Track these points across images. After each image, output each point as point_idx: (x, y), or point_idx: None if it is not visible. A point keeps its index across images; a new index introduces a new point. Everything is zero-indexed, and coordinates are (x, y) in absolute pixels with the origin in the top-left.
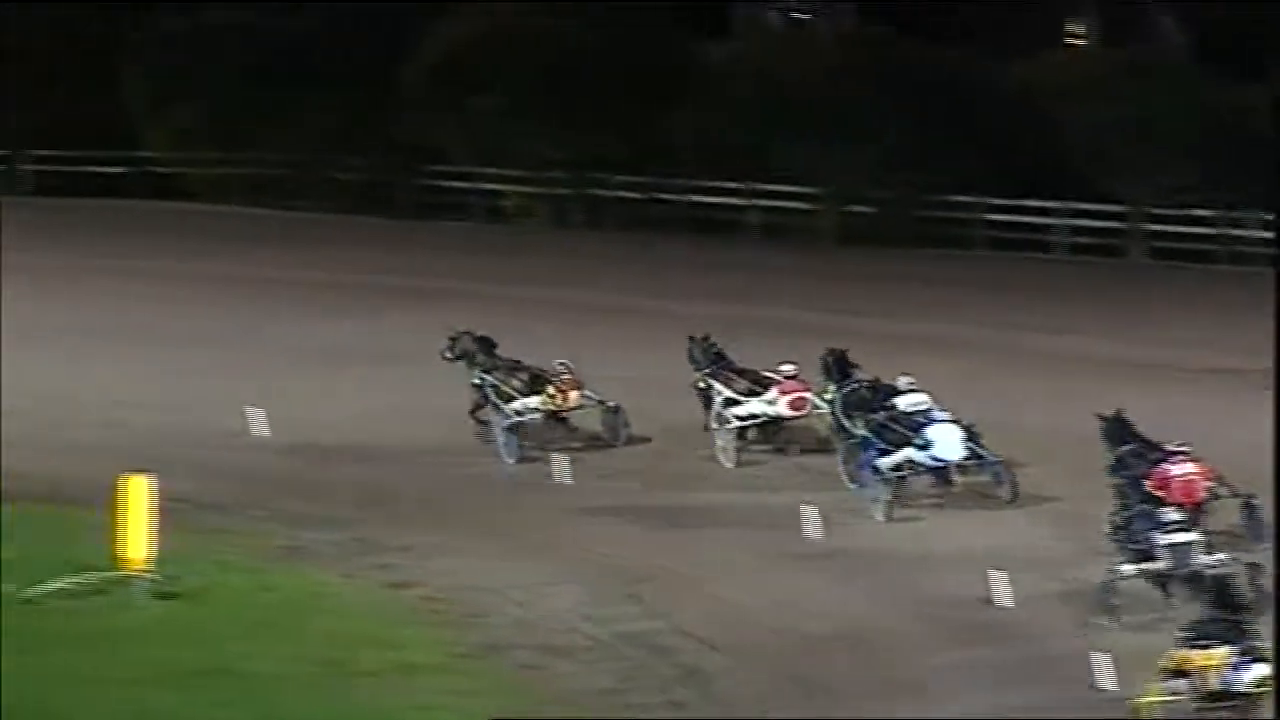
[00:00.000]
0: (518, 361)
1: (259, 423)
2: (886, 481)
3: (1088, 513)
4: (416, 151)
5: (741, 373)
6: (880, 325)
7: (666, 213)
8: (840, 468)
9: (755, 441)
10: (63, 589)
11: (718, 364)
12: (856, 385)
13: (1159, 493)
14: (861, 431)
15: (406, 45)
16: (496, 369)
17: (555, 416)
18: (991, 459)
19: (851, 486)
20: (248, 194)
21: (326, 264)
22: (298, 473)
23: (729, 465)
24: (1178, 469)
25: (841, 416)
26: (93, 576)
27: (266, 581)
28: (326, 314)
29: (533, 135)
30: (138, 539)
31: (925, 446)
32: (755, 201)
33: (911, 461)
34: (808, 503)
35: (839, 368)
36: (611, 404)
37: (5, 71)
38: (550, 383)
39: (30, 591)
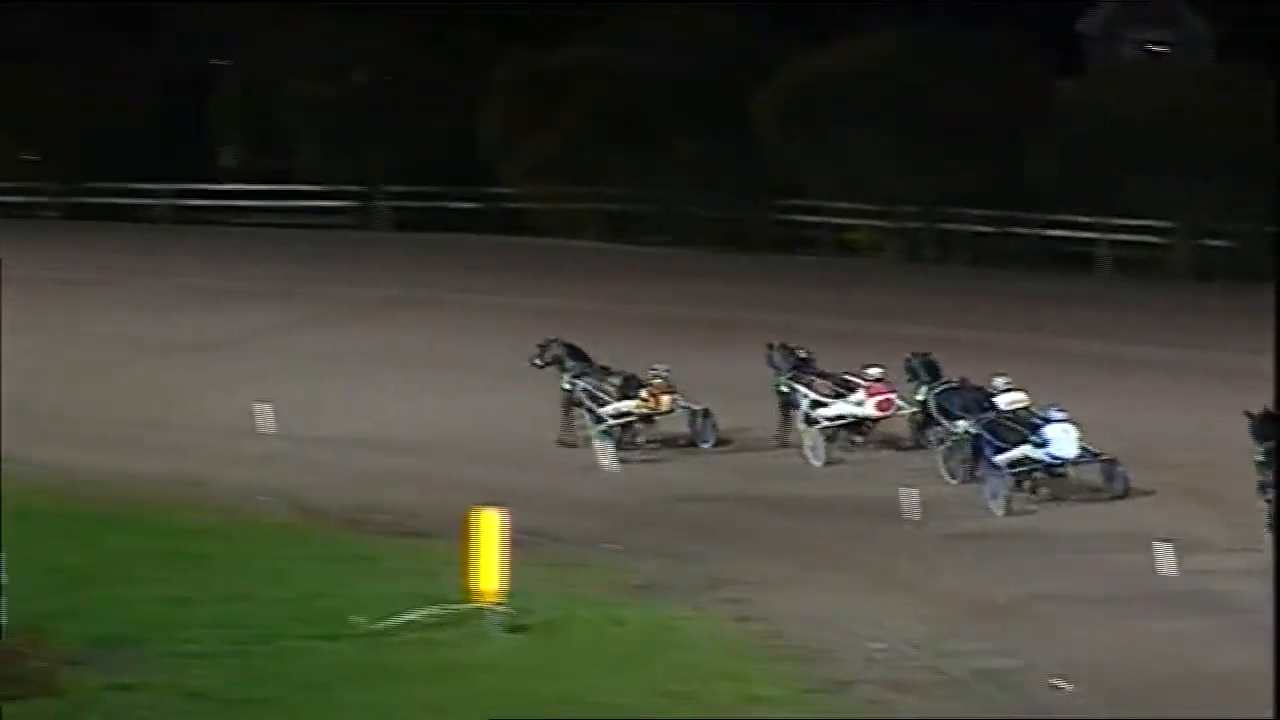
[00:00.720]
0: (607, 367)
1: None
2: (1003, 477)
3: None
4: (772, 186)
5: (825, 376)
6: (1240, 360)
7: (1018, 247)
8: (941, 465)
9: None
10: (414, 621)
11: (800, 368)
12: (948, 386)
13: None
14: (967, 430)
15: (763, 79)
16: (588, 374)
17: (647, 420)
18: (1103, 456)
19: (951, 481)
20: (599, 229)
21: (674, 298)
22: (645, 507)
23: (817, 464)
24: None
25: (938, 415)
26: (443, 609)
27: (616, 615)
28: (665, 346)
29: (889, 170)
30: (489, 572)
31: (1043, 444)
32: (1108, 235)
33: (1028, 458)
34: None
35: (928, 370)
36: (700, 408)
37: (364, 111)
38: (644, 387)
39: (382, 624)
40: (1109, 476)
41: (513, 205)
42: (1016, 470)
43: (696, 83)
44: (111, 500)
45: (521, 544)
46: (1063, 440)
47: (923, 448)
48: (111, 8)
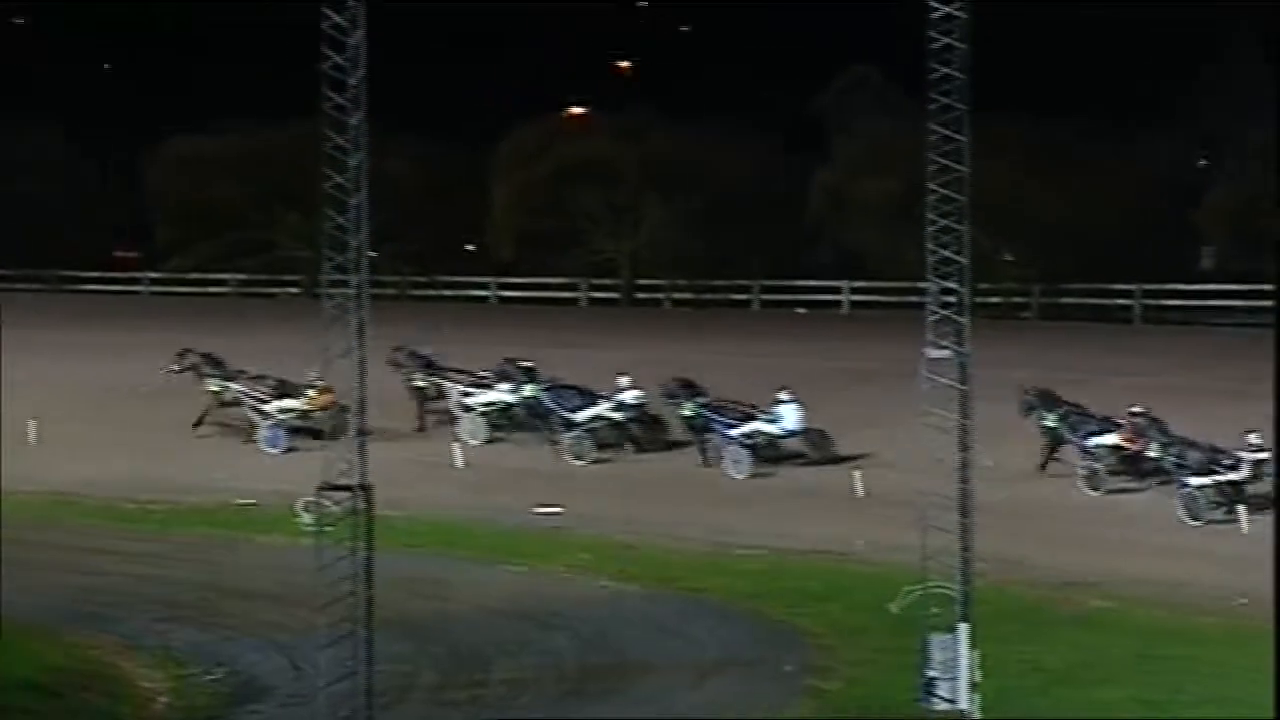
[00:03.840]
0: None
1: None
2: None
3: None
4: None
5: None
6: None
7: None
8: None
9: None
10: None
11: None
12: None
13: None
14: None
15: None
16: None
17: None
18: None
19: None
20: None
21: None
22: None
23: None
24: None
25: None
26: None
27: None
28: None
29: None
30: None
31: (774, 420)
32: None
33: (760, 431)
34: None
35: (525, 374)
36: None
37: None
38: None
39: None
40: (815, 444)
41: None
42: (749, 441)
43: None
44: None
45: None
46: (791, 416)
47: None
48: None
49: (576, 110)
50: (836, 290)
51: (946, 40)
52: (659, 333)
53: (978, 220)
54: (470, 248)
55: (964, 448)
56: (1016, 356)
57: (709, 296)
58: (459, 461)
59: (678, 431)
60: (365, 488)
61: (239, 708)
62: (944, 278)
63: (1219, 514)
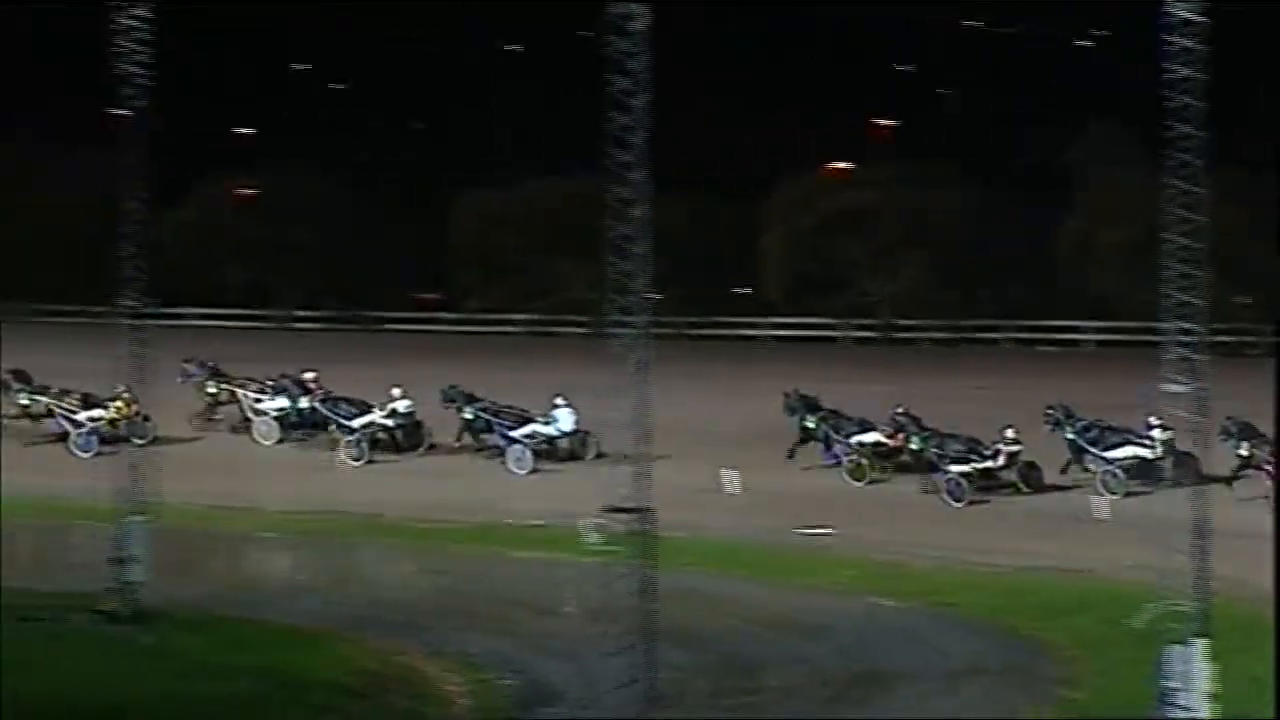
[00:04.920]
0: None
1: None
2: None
3: None
4: None
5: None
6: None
7: None
8: None
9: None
10: None
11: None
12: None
13: None
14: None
15: None
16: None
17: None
18: (583, 429)
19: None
20: None
21: None
22: None
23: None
24: None
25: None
26: None
27: None
28: None
29: None
30: None
31: (550, 422)
32: None
33: (538, 432)
34: None
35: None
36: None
37: None
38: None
39: None
40: (584, 443)
41: None
42: (530, 441)
43: None
44: None
45: None
46: (566, 419)
47: None
48: None
49: (839, 165)
50: (1079, 330)
51: (1185, 100)
52: (914, 369)
53: (1211, 264)
54: (742, 291)
55: (1199, 475)
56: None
57: (960, 336)
58: (735, 487)
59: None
60: (647, 510)
61: (533, 710)
62: (1181, 319)
63: None
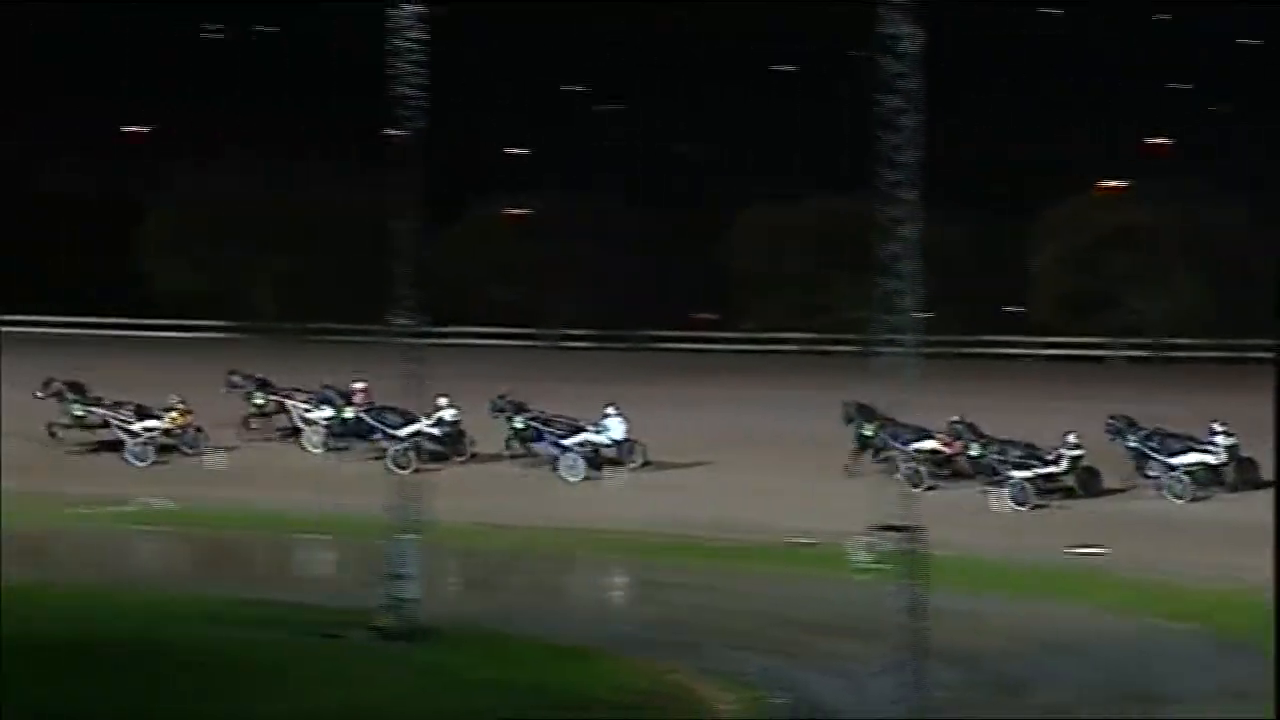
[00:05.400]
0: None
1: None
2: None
3: None
4: None
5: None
6: None
7: None
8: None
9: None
10: None
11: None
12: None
13: None
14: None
15: None
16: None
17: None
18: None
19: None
20: None
21: None
22: None
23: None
24: None
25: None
26: None
27: None
28: None
29: None
30: None
31: (602, 431)
32: None
33: (589, 441)
34: None
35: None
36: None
37: None
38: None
39: None
40: (630, 452)
41: None
42: (582, 450)
43: None
44: None
45: None
46: (616, 428)
47: None
48: None
49: (1112, 183)
50: None
51: None
52: (1192, 388)
53: None
54: (1013, 310)
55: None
56: None
57: (1235, 355)
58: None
59: None
60: (916, 529)
61: None
62: None
63: None
